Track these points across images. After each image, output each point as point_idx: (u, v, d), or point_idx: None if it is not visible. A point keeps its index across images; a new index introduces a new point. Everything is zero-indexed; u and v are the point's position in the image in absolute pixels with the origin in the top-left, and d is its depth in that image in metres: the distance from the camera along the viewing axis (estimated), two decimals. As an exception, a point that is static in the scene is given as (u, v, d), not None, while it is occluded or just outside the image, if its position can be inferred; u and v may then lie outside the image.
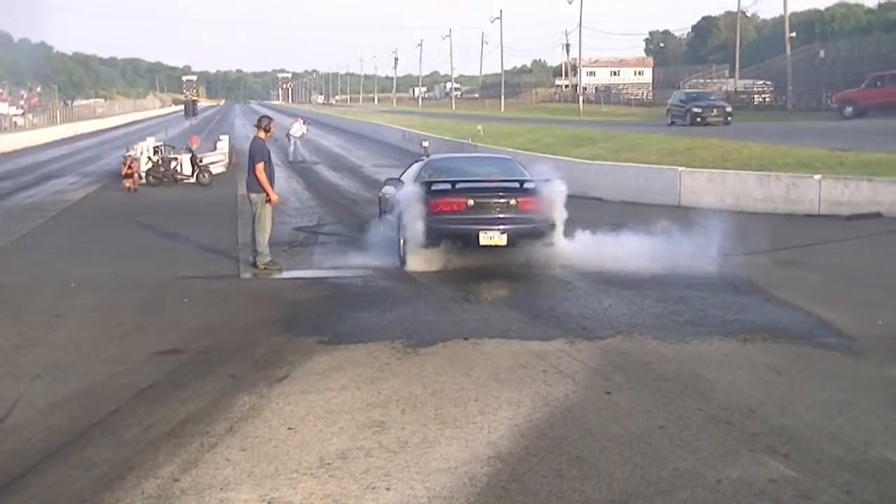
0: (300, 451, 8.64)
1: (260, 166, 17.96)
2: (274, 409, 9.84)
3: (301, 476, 8.07)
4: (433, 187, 18.11)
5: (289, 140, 50.60)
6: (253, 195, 18.16)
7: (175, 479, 8.04)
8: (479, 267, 17.42)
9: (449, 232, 17.55)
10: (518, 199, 17.82)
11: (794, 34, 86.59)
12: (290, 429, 9.24)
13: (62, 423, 9.62)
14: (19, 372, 11.47)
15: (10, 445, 9.02)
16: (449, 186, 18.07)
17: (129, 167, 36.46)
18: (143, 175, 37.32)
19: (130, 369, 11.50)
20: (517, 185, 18.47)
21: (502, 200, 17.79)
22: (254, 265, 18.08)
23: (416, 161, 22.66)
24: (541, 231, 17.79)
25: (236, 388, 10.56)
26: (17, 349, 12.58)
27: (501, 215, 17.63)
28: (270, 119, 19.28)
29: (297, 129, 50.99)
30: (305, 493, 7.74)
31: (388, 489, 7.79)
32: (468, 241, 17.51)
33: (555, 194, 18.07)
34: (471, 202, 17.65)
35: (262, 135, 18.51)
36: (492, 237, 17.37)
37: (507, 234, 17.44)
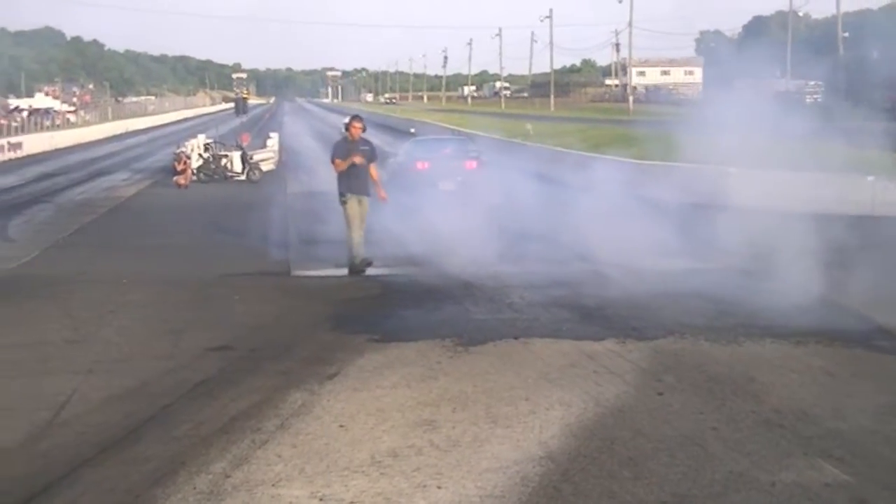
0: (351, 448, 8.64)
1: (336, 163, 17.98)
2: (325, 407, 9.86)
3: (352, 473, 8.08)
4: (415, 155, 30.26)
5: None
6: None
7: (226, 475, 8.07)
8: (524, 270, 17.36)
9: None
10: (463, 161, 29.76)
11: (846, 34, 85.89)
12: (341, 426, 9.25)
13: (115, 417, 9.68)
14: (73, 367, 11.56)
15: (64, 439, 9.09)
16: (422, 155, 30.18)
17: (183, 164, 36.69)
18: (195, 172, 37.52)
19: (182, 365, 11.56)
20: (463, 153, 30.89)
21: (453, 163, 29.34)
22: (350, 267, 17.90)
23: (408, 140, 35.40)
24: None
25: (287, 385, 10.58)
26: (71, 344, 12.68)
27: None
28: (354, 118, 18.70)
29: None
30: (357, 491, 7.74)
31: (440, 488, 7.78)
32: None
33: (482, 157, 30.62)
34: (434, 164, 29.13)
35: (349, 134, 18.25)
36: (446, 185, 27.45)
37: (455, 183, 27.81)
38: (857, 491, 7.66)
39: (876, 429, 9.08)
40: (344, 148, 18.12)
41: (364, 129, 18.37)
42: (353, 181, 17.90)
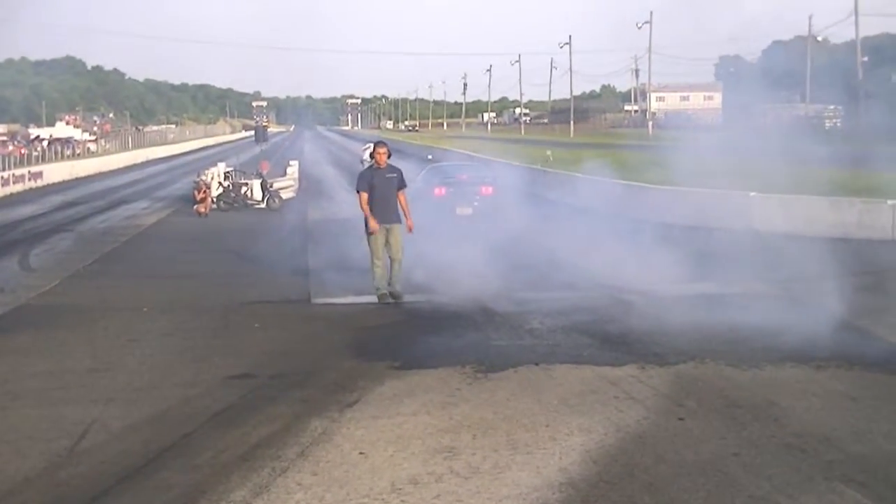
0: (371, 476, 8.64)
1: (360, 196, 17.82)
2: (345, 434, 9.86)
3: (372, 501, 8.08)
4: (432, 181, 30.23)
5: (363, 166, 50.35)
6: None
7: (247, 502, 8.10)
8: (544, 296, 17.33)
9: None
10: (479, 187, 29.65)
11: (865, 59, 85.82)
12: (361, 454, 9.25)
13: (136, 446, 9.69)
14: (93, 395, 11.58)
15: (84, 468, 9.11)
16: (440, 180, 30.26)
17: (203, 192, 36.80)
18: (215, 200, 37.62)
19: (203, 393, 11.57)
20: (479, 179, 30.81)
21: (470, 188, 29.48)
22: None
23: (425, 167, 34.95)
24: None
25: (307, 413, 10.59)
26: (92, 373, 12.70)
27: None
28: (377, 145, 18.38)
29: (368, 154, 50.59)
30: (377, 518, 7.74)
31: (460, 515, 7.78)
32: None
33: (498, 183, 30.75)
34: (451, 189, 29.34)
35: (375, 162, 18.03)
36: (463, 210, 28.30)
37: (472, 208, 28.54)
38: (880, 516, 7.64)
39: (898, 453, 9.05)
40: (369, 176, 17.92)
41: (389, 155, 18.07)
42: (377, 210, 17.63)
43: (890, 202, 24.31)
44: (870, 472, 8.51)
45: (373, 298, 17.38)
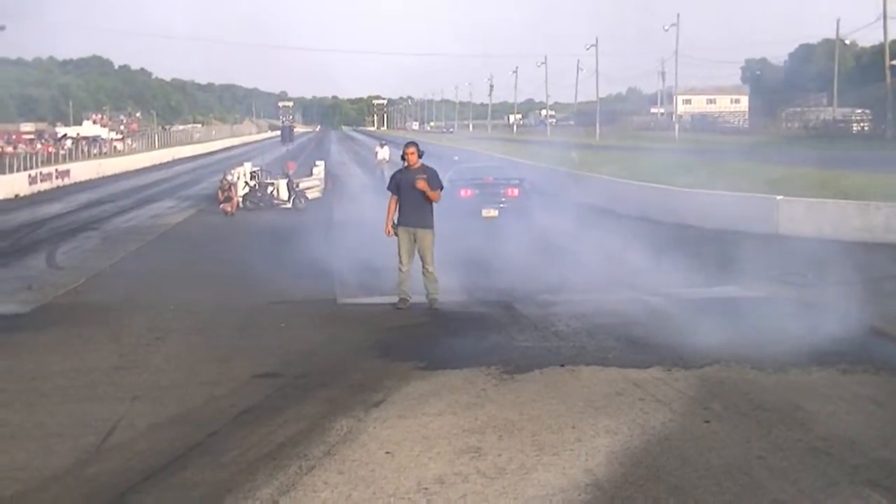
0: (398, 475, 8.67)
1: (389, 199, 17.69)
2: (371, 434, 9.88)
3: (399, 500, 8.11)
4: (457, 183, 29.72)
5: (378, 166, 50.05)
6: None
7: (274, 501, 8.12)
8: (569, 298, 17.32)
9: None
10: (505, 189, 29.96)
11: (894, 62, 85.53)
12: (387, 453, 9.27)
13: (162, 444, 9.74)
14: (120, 393, 11.64)
15: (111, 465, 9.16)
16: (465, 182, 30.34)
17: (229, 191, 36.92)
18: (241, 199, 37.70)
19: (229, 392, 11.62)
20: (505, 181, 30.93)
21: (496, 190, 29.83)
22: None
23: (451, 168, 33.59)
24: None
25: (333, 412, 10.62)
26: (118, 370, 12.76)
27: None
28: (406, 145, 17.98)
29: (383, 154, 50.41)
30: (403, 518, 7.77)
31: (486, 515, 7.80)
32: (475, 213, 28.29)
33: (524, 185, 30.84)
34: (477, 191, 29.59)
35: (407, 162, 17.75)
36: (489, 212, 28.71)
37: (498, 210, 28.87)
38: (906, 520, 7.63)
39: (924, 458, 9.03)
40: (398, 178, 17.67)
41: (420, 155, 17.67)
42: (405, 212, 17.42)
43: (917, 206, 24.24)
44: (895, 477, 8.50)
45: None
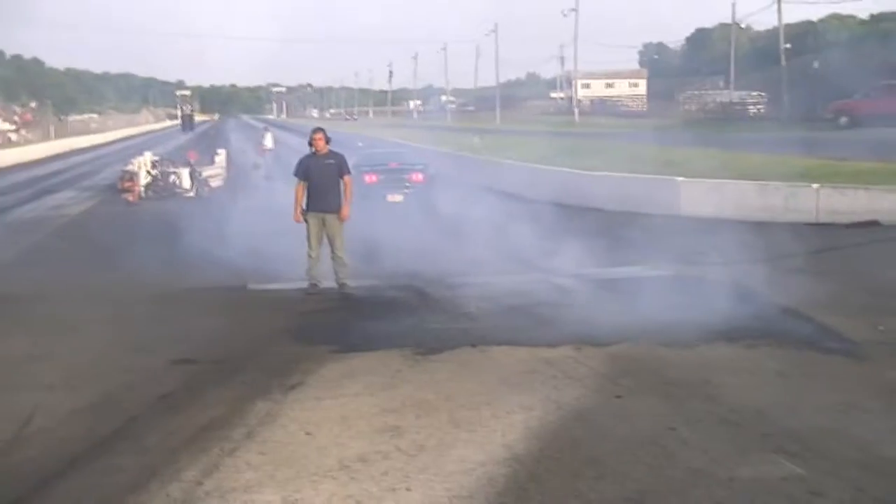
0: (319, 454, 8.80)
1: (296, 186, 17.64)
2: (290, 415, 10.00)
3: (322, 478, 8.24)
4: (362, 168, 28.92)
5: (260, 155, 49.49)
6: None
7: (199, 482, 8.21)
8: (478, 281, 17.51)
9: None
10: (409, 174, 30.16)
11: (788, 46, 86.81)
12: (307, 434, 9.40)
13: (82, 430, 9.78)
14: (34, 382, 11.61)
15: (32, 452, 9.21)
16: (370, 167, 30.11)
17: (131, 181, 36.60)
18: (143, 189, 37.37)
19: (146, 379, 11.64)
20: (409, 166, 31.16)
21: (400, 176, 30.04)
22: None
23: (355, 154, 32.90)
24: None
25: (251, 396, 10.71)
26: (31, 360, 12.72)
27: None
28: (314, 131, 17.99)
29: (269, 140, 49.95)
30: (327, 495, 7.91)
31: (409, 490, 7.96)
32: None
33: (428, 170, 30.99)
34: (382, 176, 29.72)
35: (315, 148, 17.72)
36: (394, 197, 28.89)
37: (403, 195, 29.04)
38: (813, 484, 7.91)
39: (829, 426, 9.34)
40: (305, 164, 17.64)
41: (328, 141, 17.71)
42: (313, 198, 17.44)
43: (814, 186, 24.74)
44: (802, 444, 8.78)
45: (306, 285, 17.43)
